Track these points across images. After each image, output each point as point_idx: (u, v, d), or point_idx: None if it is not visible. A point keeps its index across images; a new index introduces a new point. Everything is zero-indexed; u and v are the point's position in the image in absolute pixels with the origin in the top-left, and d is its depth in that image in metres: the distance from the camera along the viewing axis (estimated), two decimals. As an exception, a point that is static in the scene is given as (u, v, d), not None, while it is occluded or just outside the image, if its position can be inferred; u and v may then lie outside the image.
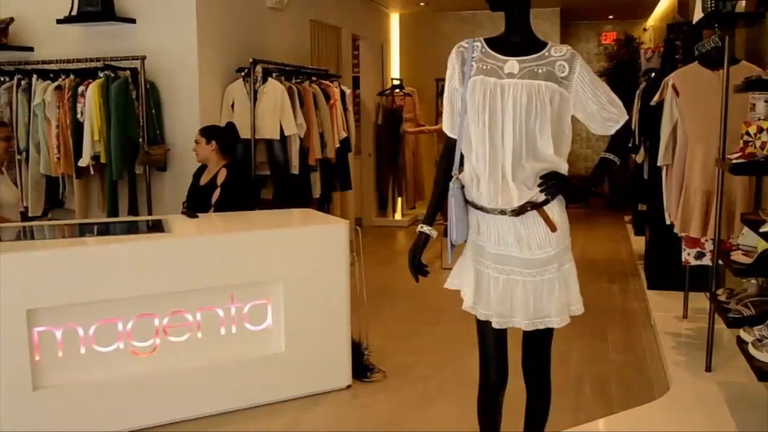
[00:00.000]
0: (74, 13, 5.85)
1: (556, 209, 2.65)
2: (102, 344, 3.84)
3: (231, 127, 5.62)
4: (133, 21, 5.92)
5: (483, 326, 2.76)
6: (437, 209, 2.82)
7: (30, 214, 5.83)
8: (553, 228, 2.63)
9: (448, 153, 2.74)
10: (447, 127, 2.76)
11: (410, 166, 10.63)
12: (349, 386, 4.45)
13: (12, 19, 6.13)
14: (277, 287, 4.17)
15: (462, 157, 2.70)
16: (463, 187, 2.69)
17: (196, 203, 5.16)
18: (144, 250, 3.93)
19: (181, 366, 4.01)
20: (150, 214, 5.83)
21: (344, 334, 4.40)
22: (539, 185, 2.61)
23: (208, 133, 5.28)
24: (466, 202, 2.69)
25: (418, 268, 2.79)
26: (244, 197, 5.29)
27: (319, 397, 4.31)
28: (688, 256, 5.22)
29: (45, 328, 3.71)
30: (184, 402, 4.01)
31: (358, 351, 4.60)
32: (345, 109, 7.39)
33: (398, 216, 10.92)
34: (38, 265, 3.70)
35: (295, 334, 4.23)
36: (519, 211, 2.60)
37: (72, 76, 5.80)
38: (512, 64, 2.61)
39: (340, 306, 4.35)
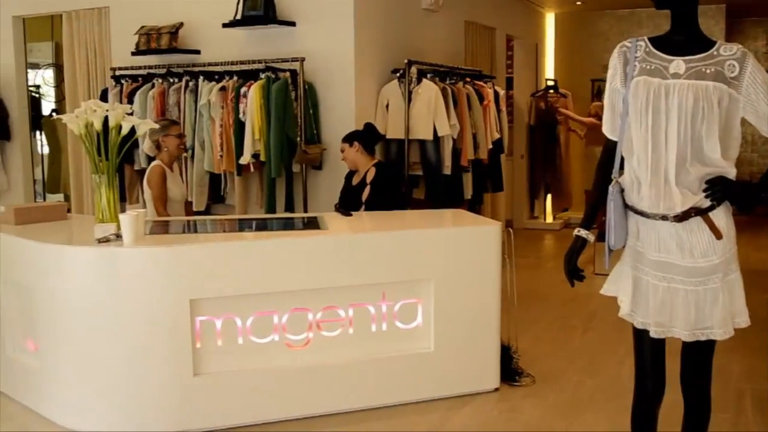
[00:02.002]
0: (238, 17, 6.09)
1: (722, 215, 2.53)
2: (258, 335, 3.98)
3: (369, 126, 5.67)
4: (293, 24, 6.10)
5: (640, 335, 2.67)
6: (595, 213, 2.76)
7: (194, 209, 6.12)
8: (718, 235, 2.51)
9: (607, 155, 2.68)
10: (607, 129, 2.69)
11: (562, 168, 10.43)
12: (496, 389, 4.41)
13: (181, 24, 6.45)
14: (427, 287, 4.19)
15: (622, 159, 2.63)
16: (622, 190, 2.61)
17: (348, 203, 5.26)
18: (300, 246, 4.04)
19: (332, 360, 4.10)
20: (306, 211, 6.01)
21: (494, 337, 4.37)
22: (704, 190, 2.50)
23: (349, 137, 5.36)
24: (626, 206, 2.62)
25: (574, 273, 2.73)
26: (394, 195, 5.34)
27: (466, 398, 4.29)
28: None
29: (206, 318, 3.88)
30: (334, 396, 4.10)
31: (507, 354, 4.55)
32: (498, 110, 7.34)
33: (549, 219, 10.74)
34: (201, 257, 3.88)
35: (445, 334, 4.23)
36: (682, 217, 2.50)
37: (235, 78, 6.05)
38: (678, 63, 2.51)
39: (491, 308, 4.32)
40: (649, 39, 2.61)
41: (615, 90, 2.63)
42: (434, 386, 4.27)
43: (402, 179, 6.05)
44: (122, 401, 3.86)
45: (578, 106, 10.68)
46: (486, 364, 4.37)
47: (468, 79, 6.99)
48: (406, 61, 6.18)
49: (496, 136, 7.21)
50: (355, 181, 5.39)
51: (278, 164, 5.83)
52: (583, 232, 2.71)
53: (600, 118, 8.64)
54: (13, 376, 4.31)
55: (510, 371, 4.53)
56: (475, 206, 6.97)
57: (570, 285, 2.76)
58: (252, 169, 6.00)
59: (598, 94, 10.55)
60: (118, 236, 3.85)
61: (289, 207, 6.08)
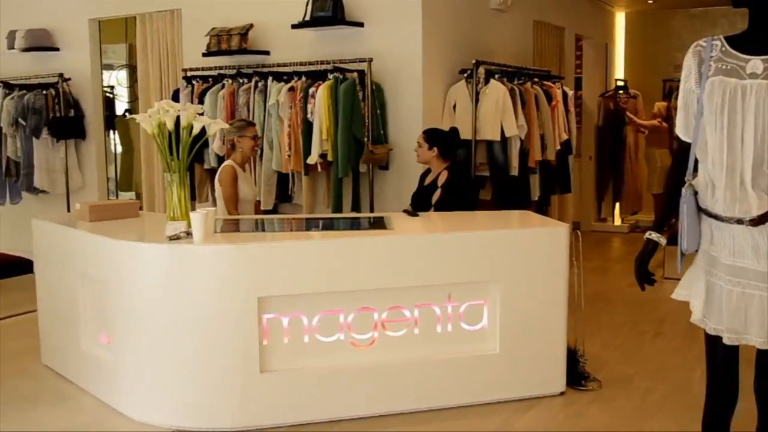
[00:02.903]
0: (307, 18, 6.15)
1: (800, 220, 2.46)
2: (324, 334, 4.01)
3: (454, 132, 5.64)
4: (361, 25, 6.13)
5: (712, 341, 2.61)
6: (667, 216, 2.70)
7: (262, 208, 6.20)
8: (796, 241, 2.44)
9: (681, 157, 2.62)
10: (681, 130, 2.63)
11: (631, 170, 10.25)
12: (562, 393, 4.35)
13: (251, 26, 6.54)
14: (494, 288, 4.16)
15: (696, 161, 2.57)
16: (696, 193, 2.56)
17: (418, 203, 5.27)
18: (366, 246, 4.05)
19: (397, 360, 4.10)
20: (372, 211, 6.03)
21: (560, 340, 4.32)
22: (782, 193, 2.43)
23: (431, 138, 5.33)
24: (699, 209, 2.56)
25: (645, 277, 2.69)
26: (464, 198, 5.33)
27: (531, 401, 4.25)
28: None
29: (273, 316, 3.93)
30: (398, 396, 4.10)
31: (573, 358, 4.49)
32: (567, 111, 7.26)
33: (617, 221, 10.57)
34: (269, 256, 3.93)
35: (511, 336, 4.20)
36: (758, 221, 2.43)
37: (304, 78, 6.11)
38: (755, 63, 2.45)
39: (557, 311, 4.27)
40: (725, 38, 2.55)
41: (689, 90, 2.58)
42: (499, 389, 4.24)
43: (472, 182, 6.02)
44: (190, 396, 3.93)
45: (649, 107, 10.48)
46: (552, 367, 4.32)
47: (536, 80, 6.93)
48: (473, 61, 6.15)
49: (564, 137, 7.13)
50: (427, 181, 5.39)
51: (345, 164, 5.86)
52: (654, 235, 2.66)
53: (664, 119, 8.48)
54: (88, 370, 4.43)
55: (576, 375, 4.47)
56: (542, 208, 6.91)
57: (640, 289, 2.72)
58: (319, 168, 6.05)
59: (669, 94, 10.34)
60: (189, 234, 3.93)
61: (356, 207, 6.11)
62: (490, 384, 4.22)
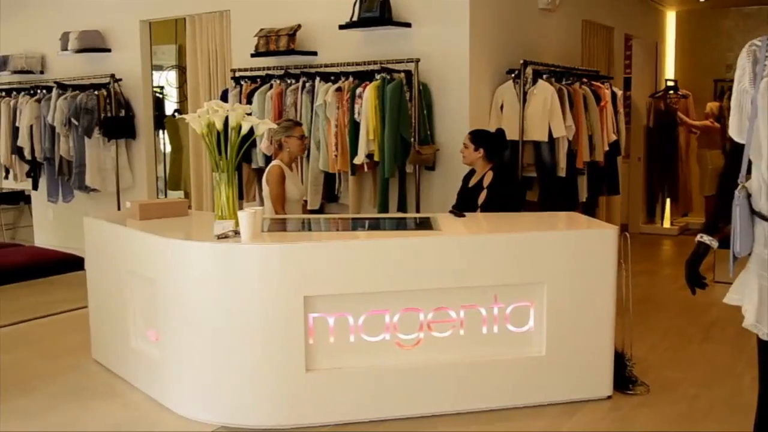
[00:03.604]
0: (355, 18, 6.17)
1: None
2: (370, 334, 4.02)
3: (501, 134, 5.63)
4: (408, 25, 6.13)
5: (766, 347, 2.56)
6: (719, 218, 2.66)
7: (308, 208, 6.24)
8: None
9: (733, 159, 2.57)
10: (734, 131, 2.58)
11: (682, 172, 10.10)
12: (609, 397, 4.30)
13: (299, 26, 6.58)
14: (540, 290, 4.13)
15: (750, 163, 2.52)
16: (749, 196, 2.51)
17: (464, 204, 5.25)
18: (412, 246, 4.05)
19: (442, 361, 4.09)
20: (418, 211, 6.03)
21: (607, 343, 4.27)
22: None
23: (478, 139, 5.32)
24: (753, 212, 2.51)
25: (696, 280, 2.65)
26: (510, 200, 5.30)
27: (577, 405, 4.21)
28: None
29: (319, 315, 3.94)
30: (443, 397, 4.09)
31: (620, 361, 4.43)
32: (615, 112, 7.18)
33: (666, 224, 10.42)
34: (316, 255, 3.95)
35: (557, 338, 4.17)
36: (813, 225, 2.38)
37: (351, 78, 6.14)
38: (812, 63, 2.40)
39: (605, 313, 4.22)
40: (781, 37, 2.50)
41: (743, 91, 2.53)
42: (545, 391, 4.21)
43: (518, 183, 5.99)
44: (236, 394, 3.97)
45: (700, 107, 10.32)
46: (599, 370, 4.27)
47: (585, 80, 6.87)
48: (521, 61, 6.12)
49: (613, 137, 7.06)
50: (472, 182, 5.38)
51: (392, 164, 5.87)
52: (706, 238, 2.62)
53: (715, 119, 8.34)
54: (136, 365, 4.50)
55: (623, 379, 4.42)
56: (589, 209, 6.84)
57: (691, 292, 2.67)
58: (366, 169, 6.07)
59: (721, 95, 10.17)
60: (236, 233, 3.96)
61: (402, 207, 6.12)
62: (535, 387, 4.19)
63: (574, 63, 7.38)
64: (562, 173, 6.26)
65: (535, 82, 6.15)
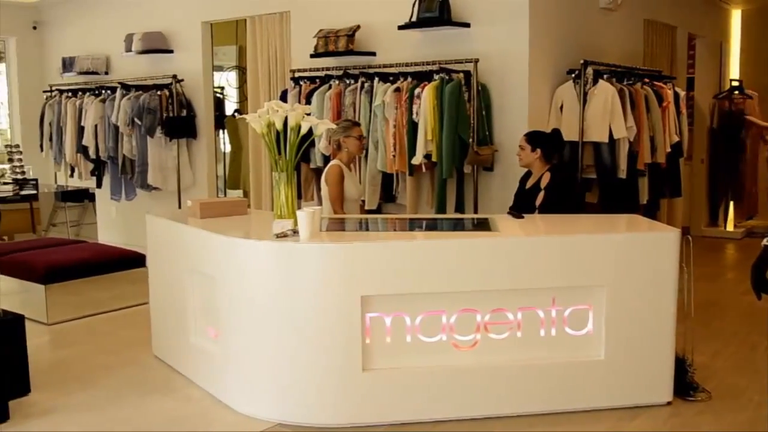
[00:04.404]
0: (414, 19, 6.16)
1: None
2: (426, 334, 4.01)
3: (557, 134, 5.59)
4: (467, 25, 6.11)
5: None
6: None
7: (366, 207, 6.26)
8: None
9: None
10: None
11: (747, 174, 9.87)
12: (669, 403, 4.23)
13: (358, 27, 6.60)
14: (599, 293, 4.08)
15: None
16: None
17: (521, 206, 5.21)
18: (470, 247, 4.03)
19: (499, 363, 4.07)
20: (476, 212, 6.01)
21: (668, 348, 4.20)
22: None
23: (534, 140, 5.30)
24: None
25: (762, 285, 2.59)
26: (568, 200, 5.25)
27: (636, 410, 4.15)
28: None
29: (376, 315, 3.95)
30: (500, 399, 4.07)
31: (681, 367, 4.36)
32: (678, 112, 7.06)
33: (730, 227, 10.20)
34: (373, 255, 3.96)
35: (616, 342, 4.11)
36: None
37: (409, 79, 6.14)
38: None
39: (666, 318, 4.15)
40: None
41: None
42: (603, 396, 4.16)
43: (576, 184, 5.92)
44: (293, 392, 4.00)
45: (766, 108, 10.07)
46: (659, 376, 4.20)
47: (646, 80, 6.76)
48: (582, 61, 6.05)
49: (675, 139, 6.93)
50: (529, 184, 5.34)
51: (450, 165, 5.86)
52: (772, 243, 2.56)
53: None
54: (195, 361, 4.57)
55: (684, 385, 4.34)
56: (650, 212, 6.73)
57: (756, 298, 2.62)
58: (424, 169, 6.07)
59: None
60: (295, 232, 4.00)
61: (459, 208, 6.10)
62: (594, 391, 4.14)
63: (636, 63, 7.27)
64: (622, 175, 6.17)
65: (595, 82, 6.07)
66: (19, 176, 7.20)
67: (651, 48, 8.06)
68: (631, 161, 6.24)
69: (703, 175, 9.88)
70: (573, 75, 6.17)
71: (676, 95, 7.06)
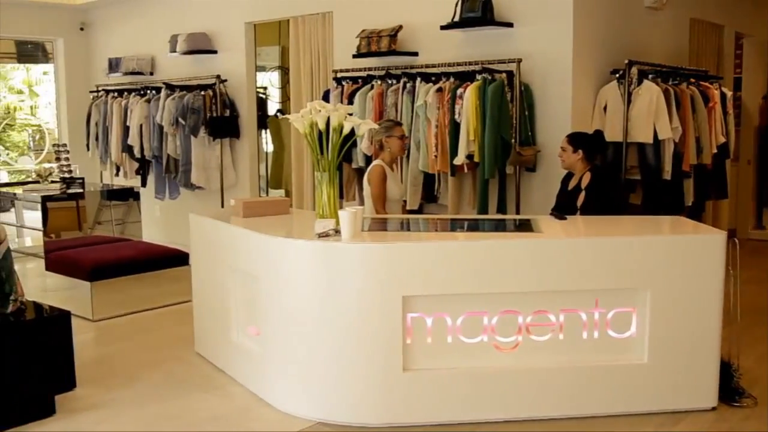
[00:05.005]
0: (456, 19, 6.15)
1: None
2: (467, 335, 4.01)
3: (599, 135, 5.55)
4: (510, 25, 6.08)
5: None
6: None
7: (408, 208, 6.26)
8: None
9: None
10: None
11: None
12: (713, 408, 4.17)
13: (400, 27, 6.61)
14: (643, 296, 4.03)
15: None
16: None
17: (563, 207, 5.18)
18: (512, 248, 4.01)
19: (540, 365, 4.05)
20: (518, 213, 5.98)
21: (713, 352, 4.14)
22: None
23: (576, 141, 5.27)
24: None
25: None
26: (610, 201, 5.20)
27: (679, 415, 4.10)
28: None
29: (418, 315, 3.95)
30: (541, 401, 4.05)
31: (727, 372, 4.29)
32: (725, 113, 6.94)
33: (777, 230, 10.03)
34: (415, 255, 3.96)
35: (660, 346, 4.06)
36: None
37: (452, 79, 6.12)
38: None
39: (711, 322, 4.09)
40: None
41: None
42: (646, 400, 4.11)
43: (618, 185, 5.86)
44: (334, 391, 4.02)
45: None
46: (703, 380, 4.14)
47: (692, 80, 6.66)
48: (626, 61, 5.98)
49: (722, 140, 6.83)
50: (571, 185, 5.31)
51: (492, 165, 5.83)
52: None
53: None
54: (238, 360, 4.61)
55: (729, 390, 4.27)
56: (696, 214, 6.63)
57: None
58: (466, 169, 6.05)
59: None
60: (337, 231, 4.01)
61: (501, 209, 6.07)
62: (636, 394, 4.10)
63: (682, 63, 7.17)
64: (667, 176, 6.09)
65: (640, 82, 6.00)
66: (66, 175, 7.31)
67: (697, 47, 7.95)
68: (676, 162, 6.16)
69: (749, 176, 9.72)
70: (617, 75, 6.10)
71: (723, 95, 6.95)
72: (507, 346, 4.04)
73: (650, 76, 6.08)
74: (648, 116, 5.92)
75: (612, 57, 6.28)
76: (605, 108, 6.12)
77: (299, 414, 4.09)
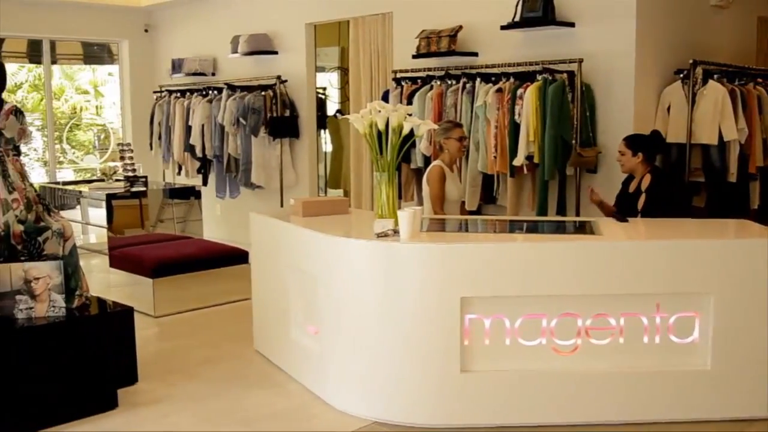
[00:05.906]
0: (517, 19, 6.11)
1: None
2: (526, 338, 3.97)
3: (656, 135, 5.46)
4: (572, 25, 6.02)
5: None
6: None
7: (466, 208, 6.23)
8: None
9: None
10: None
11: None
12: (779, 416, 4.08)
13: (460, 27, 6.59)
14: (707, 301, 3.95)
15: None
16: None
17: (624, 209, 5.11)
18: (572, 250, 3.97)
19: (600, 369, 3.99)
20: (578, 215, 5.91)
21: (779, 359, 4.04)
22: None
23: (635, 144, 5.20)
24: None
25: None
26: (672, 203, 5.12)
27: (743, 423, 4.00)
28: None
29: (476, 316, 3.93)
30: (600, 406, 3.99)
31: (794, 380, 4.18)
32: (793, 114, 6.76)
33: None
34: (474, 256, 3.94)
35: (724, 352, 3.97)
36: None
37: (512, 79, 6.09)
38: None
39: (777, 328, 3.99)
40: None
41: None
42: (708, 407, 4.02)
43: (680, 187, 5.75)
44: (390, 391, 4.02)
45: None
46: (768, 388, 4.05)
47: (759, 80, 6.50)
48: (691, 61, 5.86)
49: (790, 141, 6.65)
50: (632, 188, 5.24)
51: (552, 167, 5.78)
52: None
53: None
54: (295, 358, 4.64)
55: (797, 398, 4.16)
56: (762, 217, 6.46)
57: None
58: (525, 170, 6.01)
59: None
60: (396, 232, 4.01)
61: (561, 210, 6.01)
62: (699, 401, 4.02)
63: (748, 62, 7.00)
64: (732, 178, 5.96)
65: (705, 82, 5.88)
66: (130, 174, 7.46)
67: (765, 46, 7.75)
68: (742, 164, 6.02)
69: (819, 179, 9.44)
70: (681, 75, 6.00)
71: (792, 96, 6.77)
72: (566, 349, 3.99)
73: (715, 76, 5.96)
74: (713, 117, 5.80)
75: (676, 57, 6.16)
76: (669, 109, 6.01)
77: (356, 413, 4.10)
